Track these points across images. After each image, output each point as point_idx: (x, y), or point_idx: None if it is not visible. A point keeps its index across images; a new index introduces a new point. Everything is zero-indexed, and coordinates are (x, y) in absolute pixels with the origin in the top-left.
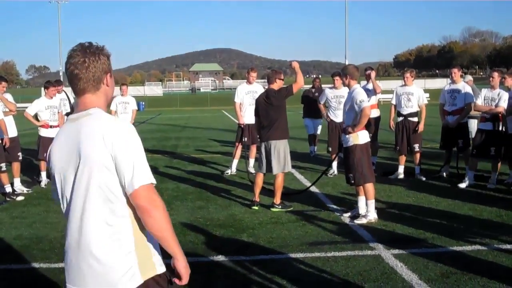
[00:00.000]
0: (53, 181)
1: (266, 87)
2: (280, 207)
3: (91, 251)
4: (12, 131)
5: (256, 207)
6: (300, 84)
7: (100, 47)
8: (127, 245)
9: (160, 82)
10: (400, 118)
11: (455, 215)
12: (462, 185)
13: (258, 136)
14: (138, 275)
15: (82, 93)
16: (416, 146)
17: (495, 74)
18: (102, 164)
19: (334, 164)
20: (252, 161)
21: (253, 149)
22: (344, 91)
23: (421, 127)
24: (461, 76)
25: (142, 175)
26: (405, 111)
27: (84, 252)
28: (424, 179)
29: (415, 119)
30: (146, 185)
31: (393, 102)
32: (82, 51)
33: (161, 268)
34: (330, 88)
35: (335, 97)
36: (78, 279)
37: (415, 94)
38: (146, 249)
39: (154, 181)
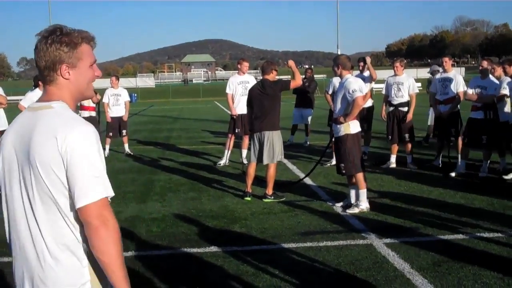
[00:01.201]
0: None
1: (259, 77)
2: (272, 197)
3: (43, 262)
4: (2, 124)
5: (248, 198)
6: (298, 82)
7: (63, 32)
8: (78, 261)
9: (152, 74)
10: (391, 108)
11: (446, 204)
12: (453, 174)
13: (250, 127)
14: None
15: (43, 82)
16: (407, 136)
17: (485, 63)
18: (51, 167)
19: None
20: (245, 152)
21: (246, 139)
22: None
23: (409, 116)
24: (452, 65)
25: (98, 188)
26: (395, 101)
27: (34, 262)
28: (416, 168)
29: (406, 108)
30: (100, 200)
31: (384, 92)
32: (45, 36)
33: None
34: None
35: None
36: None
37: (405, 84)
38: (98, 270)
39: (111, 194)
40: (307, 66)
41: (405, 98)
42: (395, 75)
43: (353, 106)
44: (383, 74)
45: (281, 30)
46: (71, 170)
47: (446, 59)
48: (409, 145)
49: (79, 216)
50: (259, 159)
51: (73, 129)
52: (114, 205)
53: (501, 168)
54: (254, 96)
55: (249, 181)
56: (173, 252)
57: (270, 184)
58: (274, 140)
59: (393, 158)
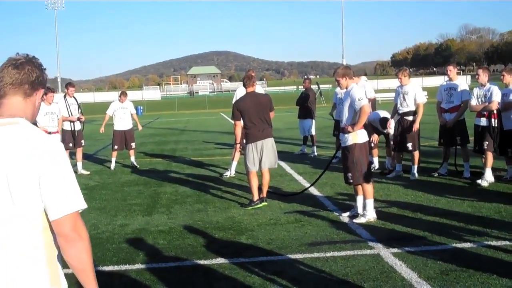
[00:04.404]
0: None
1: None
2: (266, 201)
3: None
4: None
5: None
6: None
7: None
8: (40, 281)
9: (158, 86)
10: (398, 117)
11: (453, 213)
12: (485, 183)
13: (253, 137)
14: None
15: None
16: (410, 145)
17: (480, 71)
18: (24, 181)
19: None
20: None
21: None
22: None
23: (415, 126)
24: (458, 73)
25: (73, 200)
26: (401, 110)
27: None
28: (421, 177)
29: (411, 117)
30: (76, 212)
31: (394, 101)
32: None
33: None
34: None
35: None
36: None
37: (410, 93)
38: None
39: (85, 206)
40: (305, 77)
41: (411, 107)
42: (401, 85)
43: (360, 114)
44: (389, 83)
45: (287, 41)
46: (48, 182)
47: (451, 67)
48: (415, 155)
49: (55, 227)
50: (267, 164)
51: (44, 142)
52: (120, 218)
53: (508, 176)
54: (258, 108)
55: (257, 189)
56: (180, 264)
57: (267, 188)
58: (274, 146)
59: (399, 167)
